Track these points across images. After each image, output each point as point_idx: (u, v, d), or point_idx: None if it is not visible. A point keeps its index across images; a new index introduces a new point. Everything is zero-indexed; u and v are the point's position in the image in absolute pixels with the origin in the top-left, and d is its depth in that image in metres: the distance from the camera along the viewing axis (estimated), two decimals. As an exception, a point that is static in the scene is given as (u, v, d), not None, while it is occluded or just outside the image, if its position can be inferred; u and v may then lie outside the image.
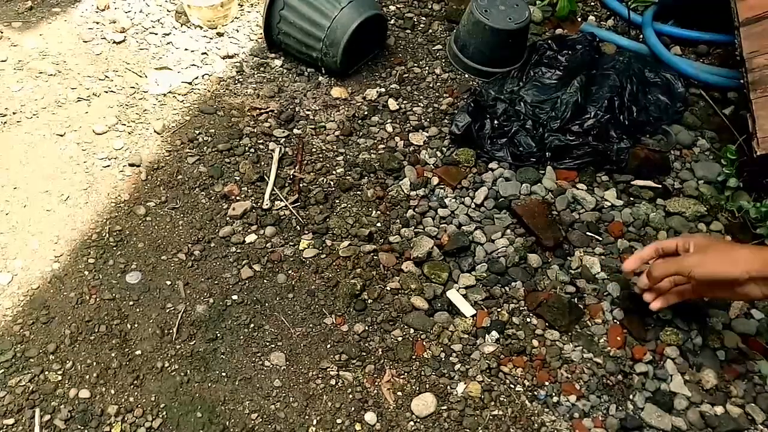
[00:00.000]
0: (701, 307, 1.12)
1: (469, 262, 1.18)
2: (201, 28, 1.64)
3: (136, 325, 1.10)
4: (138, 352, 1.06)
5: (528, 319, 1.11)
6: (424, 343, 1.09)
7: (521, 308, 1.13)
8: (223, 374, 1.05)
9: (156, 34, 1.62)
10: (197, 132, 1.40)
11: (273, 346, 1.08)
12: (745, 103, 1.30)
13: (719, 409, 1.00)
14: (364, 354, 1.07)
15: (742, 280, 0.89)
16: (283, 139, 1.40)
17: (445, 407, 1.01)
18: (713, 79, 1.49)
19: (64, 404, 1.00)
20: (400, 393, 1.03)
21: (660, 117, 1.41)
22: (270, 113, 1.45)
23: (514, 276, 1.16)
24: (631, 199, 1.30)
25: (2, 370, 1.03)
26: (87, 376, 1.03)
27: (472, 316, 1.11)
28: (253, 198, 1.29)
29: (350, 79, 1.55)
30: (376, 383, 1.04)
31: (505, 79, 1.48)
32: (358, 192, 1.31)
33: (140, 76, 1.52)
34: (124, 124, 1.41)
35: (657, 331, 1.08)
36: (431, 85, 1.54)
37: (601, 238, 1.22)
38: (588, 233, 1.23)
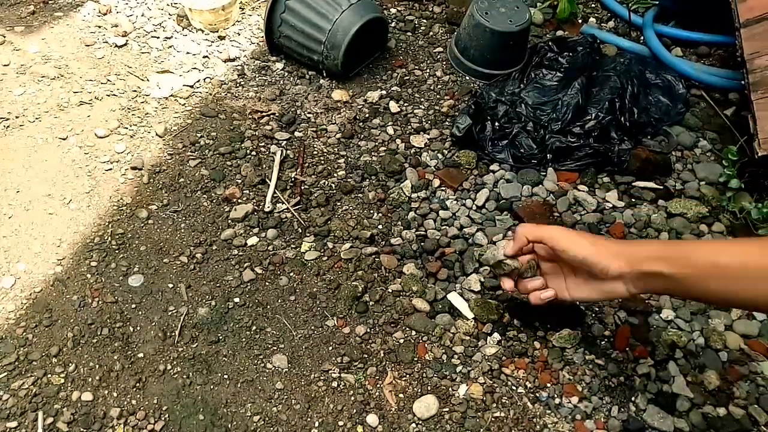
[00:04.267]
0: (703, 309, 1.12)
1: (472, 265, 1.18)
2: (202, 31, 1.65)
3: (138, 328, 1.10)
4: (140, 355, 1.07)
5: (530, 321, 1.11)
6: (426, 345, 1.09)
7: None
8: (225, 377, 1.05)
9: (158, 37, 1.63)
10: (199, 135, 1.41)
11: (275, 348, 1.08)
12: (746, 104, 1.30)
13: (722, 411, 1.00)
14: (366, 356, 1.08)
15: (612, 277, 0.85)
16: (285, 142, 1.40)
17: (447, 409, 1.01)
18: (714, 80, 1.49)
19: (66, 407, 1.00)
20: (401, 395, 1.03)
21: (661, 118, 1.41)
22: (271, 116, 1.45)
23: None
24: (633, 200, 1.30)
25: (5, 373, 1.03)
26: (90, 379, 1.03)
27: (474, 319, 1.11)
28: (254, 201, 1.29)
29: (351, 81, 1.55)
30: (378, 385, 1.04)
31: (506, 81, 1.48)
32: (360, 194, 1.31)
33: (142, 80, 1.52)
34: (126, 128, 1.41)
35: (659, 332, 1.08)
36: (432, 88, 1.54)
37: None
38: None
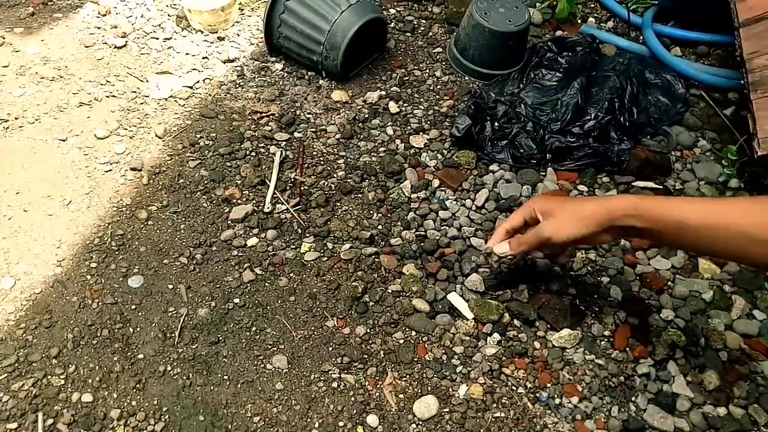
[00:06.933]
0: (703, 309, 1.12)
1: (471, 265, 1.18)
2: (202, 32, 1.65)
3: (138, 329, 1.10)
4: (140, 356, 1.07)
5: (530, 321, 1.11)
6: (426, 345, 1.09)
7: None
8: (225, 377, 1.05)
9: (157, 38, 1.63)
10: (198, 136, 1.41)
11: (275, 349, 1.08)
12: (746, 104, 1.30)
13: (722, 411, 1.00)
14: (366, 356, 1.08)
15: (597, 233, 0.92)
16: (284, 143, 1.40)
17: (447, 409, 1.01)
18: (713, 79, 1.49)
19: (67, 408, 1.00)
20: (402, 395, 1.03)
21: (660, 118, 1.41)
22: (271, 117, 1.45)
23: (516, 278, 1.16)
24: (632, 200, 1.30)
25: (5, 375, 1.03)
26: (90, 380, 1.03)
27: (474, 319, 1.11)
28: (254, 201, 1.29)
29: (351, 82, 1.55)
30: (378, 386, 1.04)
31: (505, 81, 1.48)
32: (359, 195, 1.31)
33: (141, 81, 1.52)
34: (126, 129, 1.41)
35: (659, 332, 1.08)
36: (432, 88, 1.54)
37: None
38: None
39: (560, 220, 0.95)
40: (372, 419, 1.00)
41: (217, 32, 1.65)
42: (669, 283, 1.16)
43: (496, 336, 1.09)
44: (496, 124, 1.37)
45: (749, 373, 1.04)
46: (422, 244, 1.21)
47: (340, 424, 1.00)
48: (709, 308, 1.13)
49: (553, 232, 0.95)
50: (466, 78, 1.57)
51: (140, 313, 1.12)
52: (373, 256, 1.20)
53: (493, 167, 1.35)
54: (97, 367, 1.05)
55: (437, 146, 1.40)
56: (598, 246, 1.21)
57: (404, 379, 1.05)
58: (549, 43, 1.50)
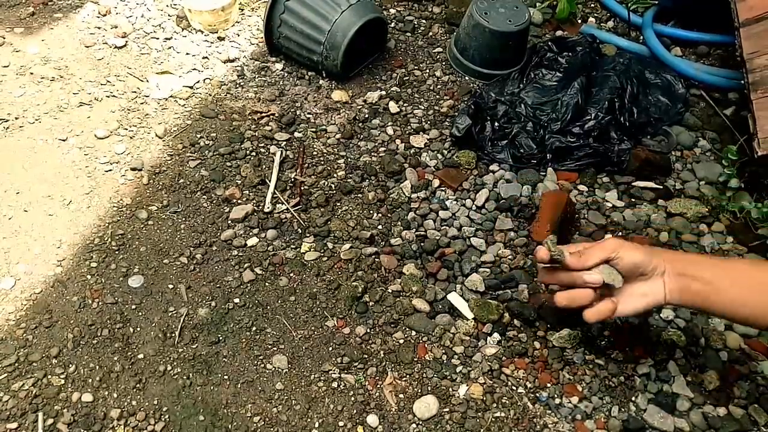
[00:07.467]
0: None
1: (471, 265, 1.18)
2: (202, 32, 1.65)
3: (138, 329, 1.10)
4: (140, 356, 1.07)
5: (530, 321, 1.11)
6: (426, 345, 1.09)
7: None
8: (226, 377, 1.05)
9: (157, 38, 1.63)
10: (199, 136, 1.41)
11: (275, 349, 1.08)
12: (746, 104, 1.30)
13: (722, 411, 1.00)
14: (366, 356, 1.08)
15: (657, 269, 0.88)
16: (284, 143, 1.40)
17: (447, 409, 1.01)
18: (714, 79, 1.49)
19: (67, 408, 1.00)
20: (402, 395, 1.03)
21: (661, 118, 1.41)
22: (271, 117, 1.45)
23: (516, 278, 1.16)
24: (633, 200, 1.30)
25: (5, 374, 1.03)
26: (90, 380, 1.03)
27: (474, 319, 1.11)
28: (254, 201, 1.29)
29: (351, 82, 1.55)
30: (378, 386, 1.04)
31: (505, 81, 1.48)
32: (359, 195, 1.31)
33: (142, 81, 1.52)
34: (126, 129, 1.42)
35: (659, 332, 1.08)
36: (432, 88, 1.54)
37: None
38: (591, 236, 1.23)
39: (635, 247, 0.89)
40: (372, 419, 1.00)
41: (217, 32, 1.65)
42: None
43: (496, 336, 1.09)
44: (496, 124, 1.37)
45: (749, 373, 1.04)
46: (422, 244, 1.21)
47: (340, 424, 1.00)
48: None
49: (625, 252, 0.88)
50: (466, 78, 1.57)
51: (140, 313, 1.12)
52: (373, 256, 1.20)
53: (494, 167, 1.35)
54: (97, 367, 1.05)
55: (437, 146, 1.40)
56: None
57: (404, 379, 1.05)
58: (549, 43, 1.50)
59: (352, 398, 1.03)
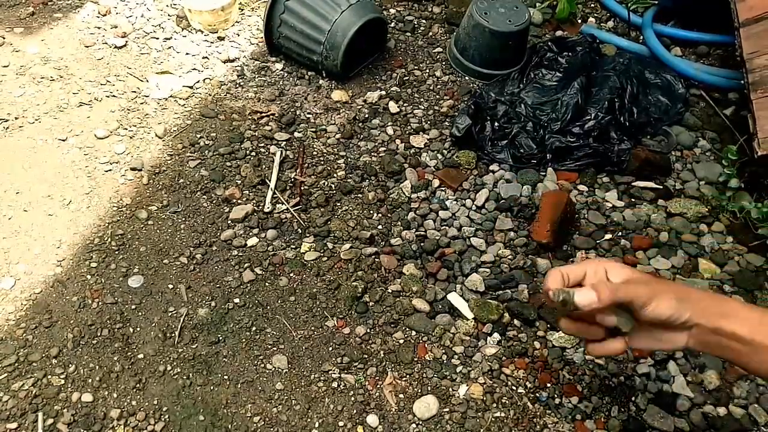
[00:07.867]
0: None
1: (471, 265, 1.18)
2: (202, 32, 1.65)
3: (138, 329, 1.10)
4: (140, 356, 1.07)
5: (530, 321, 1.11)
6: (426, 345, 1.09)
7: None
8: (225, 377, 1.05)
9: (157, 38, 1.63)
10: (198, 136, 1.41)
11: (275, 349, 1.08)
12: (746, 104, 1.30)
13: (722, 411, 1.00)
14: (366, 356, 1.07)
15: (687, 323, 0.74)
16: (284, 143, 1.40)
17: (447, 409, 1.01)
18: (714, 79, 1.49)
19: (67, 408, 1.00)
20: (402, 395, 1.03)
21: (660, 118, 1.41)
22: (271, 117, 1.45)
23: (516, 278, 1.16)
24: (632, 200, 1.30)
25: (5, 374, 1.03)
26: (89, 380, 1.03)
27: (474, 319, 1.11)
28: (254, 201, 1.29)
29: (351, 82, 1.55)
30: (378, 386, 1.04)
31: (505, 81, 1.48)
32: (359, 195, 1.31)
33: (141, 81, 1.52)
34: (126, 129, 1.41)
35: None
36: (432, 88, 1.54)
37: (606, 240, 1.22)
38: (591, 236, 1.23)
39: (666, 296, 0.74)
40: (372, 419, 1.00)
41: (217, 32, 1.65)
42: (669, 283, 1.16)
43: (496, 336, 1.09)
44: (496, 124, 1.37)
45: (749, 373, 1.04)
46: (422, 244, 1.21)
47: (340, 423, 1.00)
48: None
49: (655, 304, 0.73)
50: (466, 78, 1.56)
51: (140, 313, 1.12)
52: (373, 256, 1.20)
53: (493, 167, 1.35)
54: (97, 367, 1.05)
55: (437, 146, 1.40)
56: (597, 246, 1.21)
57: (404, 379, 1.05)
58: (549, 43, 1.50)
59: (352, 398, 1.03)
